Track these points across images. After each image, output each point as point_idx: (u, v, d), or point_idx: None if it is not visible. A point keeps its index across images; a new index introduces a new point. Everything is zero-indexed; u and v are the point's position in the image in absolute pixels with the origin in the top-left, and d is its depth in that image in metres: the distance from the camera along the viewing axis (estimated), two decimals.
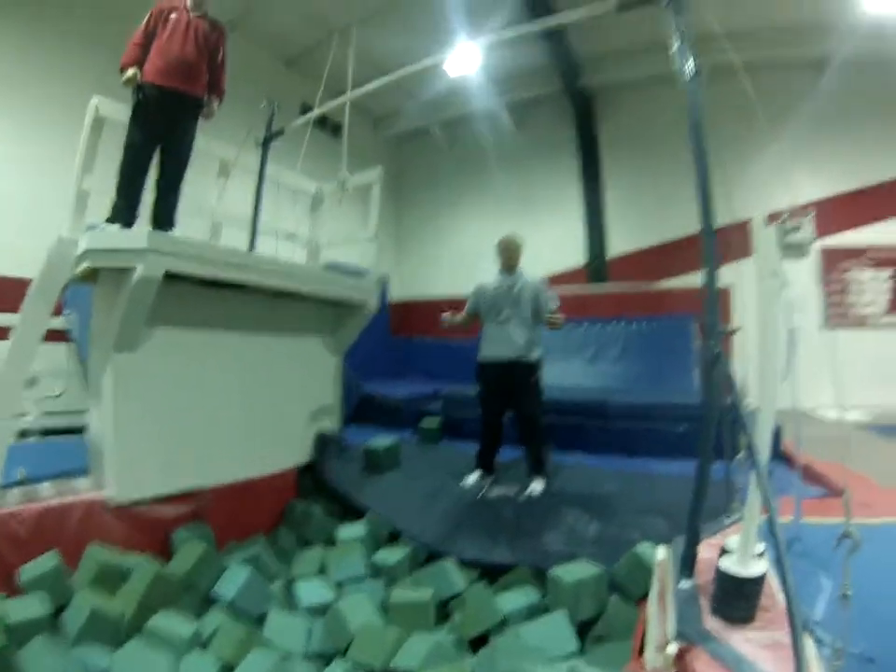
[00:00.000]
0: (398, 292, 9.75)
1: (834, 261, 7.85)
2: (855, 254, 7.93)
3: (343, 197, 5.02)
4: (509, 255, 3.92)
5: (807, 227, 1.82)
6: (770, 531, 1.35)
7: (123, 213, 3.32)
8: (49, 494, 2.94)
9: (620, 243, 8.90)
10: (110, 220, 3.31)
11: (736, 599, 1.55)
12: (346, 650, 2.38)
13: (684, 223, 7.69)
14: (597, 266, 8.86)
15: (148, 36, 3.40)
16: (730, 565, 1.59)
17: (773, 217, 1.84)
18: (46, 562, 2.55)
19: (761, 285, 1.77)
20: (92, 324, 3.45)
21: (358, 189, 5.01)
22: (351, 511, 3.62)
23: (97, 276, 3.21)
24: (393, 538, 3.29)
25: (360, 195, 5.26)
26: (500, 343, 3.78)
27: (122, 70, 3.32)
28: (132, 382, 3.07)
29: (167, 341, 3.24)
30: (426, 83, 8.88)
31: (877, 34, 6.95)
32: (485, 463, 3.87)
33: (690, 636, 1.52)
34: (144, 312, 2.99)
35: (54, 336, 3.89)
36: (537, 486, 3.57)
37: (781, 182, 6.90)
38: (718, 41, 2.38)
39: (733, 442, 2.25)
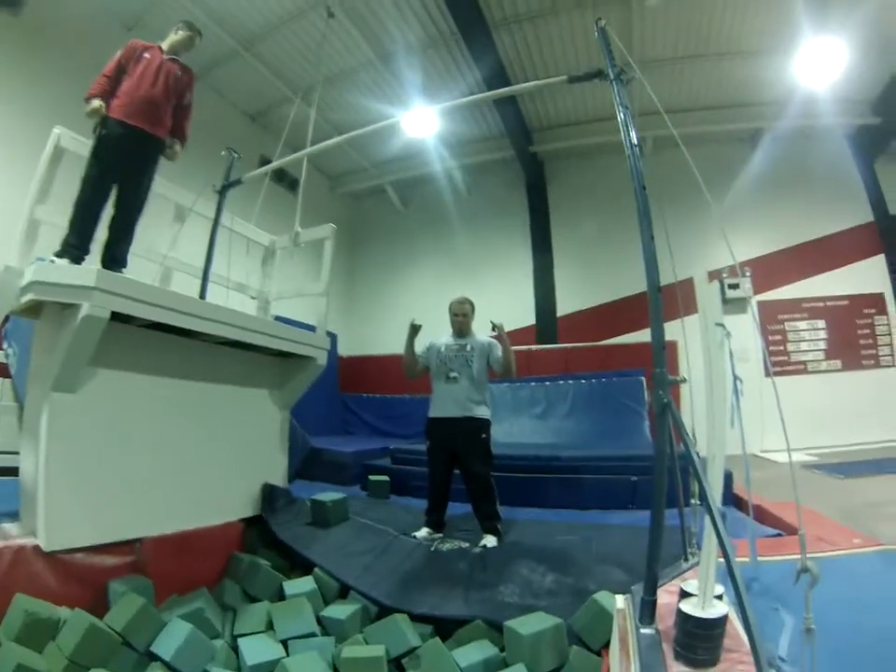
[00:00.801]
0: (347, 349, 9.69)
1: (773, 314, 8.49)
2: (791, 307, 8.60)
3: (296, 251, 5.06)
4: (461, 319, 4.10)
5: (745, 284, 1.94)
6: (729, 572, 1.38)
7: (74, 248, 3.22)
8: None
9: (569, 302, 9.19)
10: (59, 254, 3.18)
11: (700, 641, 1.55)
12: None
13: (631, 283, 8.05)
14: (547, 325, 9.08)
15: (119, 70, 3.40)
16: (691, 608, 1.60)
17: (714, 275, 1.98)
18: None
19: (706, 335, 1.88)
20: (32, 360, 3.31)
21: (312, 244, 5.03)
22: (298, 566, 3.50)
23: (41, 311, 3.11)
24: (343, 593, 3.16)
25: (313, 250, 5.27)
26: (449, 401, 3.87)
27: (88, 100, 3.28)
28: (69, 424, 2.91)
29: (109, 383, 3.11)
30: (383, 144, 9.20)
31: (805, 109, 7.78)
32: (434, 520, 3.84)
33: None
34: (87, 352, 2.88)
35: None
36: (489, 543, 3.53)
37: (720, 243, 7.32)
38: (661, 115, 2.57)
39: (685, 489, 2.32)
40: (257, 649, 2.64)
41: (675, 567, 2.30)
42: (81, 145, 3.39)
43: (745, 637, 1.61)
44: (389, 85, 8.25)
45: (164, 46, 3.58)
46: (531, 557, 3.12)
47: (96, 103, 3.26)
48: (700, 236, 7.34)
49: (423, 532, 3.75)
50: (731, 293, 1.94)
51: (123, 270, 3.46)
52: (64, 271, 2.97)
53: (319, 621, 2.90)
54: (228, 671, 2.54)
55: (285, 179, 9.01)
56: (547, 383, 6.96)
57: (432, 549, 3.48)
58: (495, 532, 3.63)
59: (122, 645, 2.49)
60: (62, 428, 2.89)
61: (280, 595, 3.15)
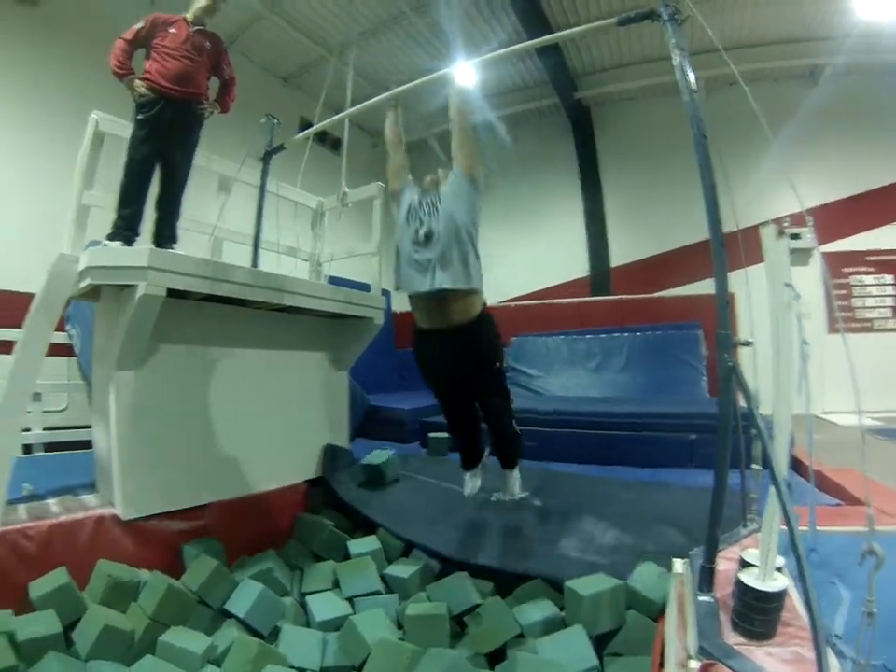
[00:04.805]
0: (401, 304, 9.73)
1: (836, 266, 7.93)
2: (855, 259, 8.01)
3: (344, 212, 5.05)
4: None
5: (808, 234, 1.83)
6: (792, 548, 1.35)
7: (125, 230, 3.30)
8: (57, 510, 2.92)
9: (622, 253, 8.92)
10: (111, 237, 3.28)
11: (758, 614, 1.54)
12: (362, 665, 2.37)
13: (685, 233, 7.75)
14: (600, 276, 8.87)
15: (138, 43, 3.39)
16: (752, 580, 1.59)
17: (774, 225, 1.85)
18: (56, 578, 2.52)
19: (774, 297, 1.78)
20: (95, 341, 3.46)
21: (359, 204, 5.02)
22: (361, 525, 3.61)
23: (99, 293, 3.23)
24: (406, 551, 3.27)
25: (361, 209, 5.26)
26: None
27: (121, 78, 3.32)
28: (135, 399, 3.05)
29: (171, 357, 3.23)
30: (424, 97, 8.97)
31: (869, 43, 7.05)
32: (467, 460, 3.58)
33: (711, 651, 1.51)
34: (147, 330, 2.97)
35: (56, 350, 3.89)
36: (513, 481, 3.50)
37: (773, 191, 6.92)
38: (714, 54, 2.40)
39: (747, 451, 2.26)
40: (324, 606, 2.78)
41: (733, 533, 2.27)
42: (120, 127, 3.43)
43: (802, 612, 1.59)
44: (424, 36, 8.03)
45: (189, 16, 3.51)
46: (590, 513, 3.13)
47: (135, 81, 3.30)
48: (752, 184, 6.97)
49: (467, 487, 3.54)
50: (792, 244, 1.82)
51: (174, 245, 3.54)
52: (118, 253, 3.05)
53: (383, 578, 3.01)
54: (298, 627, 2.68)
55: (326, 140, 8.97)
56: (602, 335, 6.87)
57: (493, 499, 3.51)
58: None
59: (199, 604, 2.67)
60: (129, 404, 3.03)
61: (345, 554, 3.27)
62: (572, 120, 9.39)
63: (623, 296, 7.59)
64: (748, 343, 1.96)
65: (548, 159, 9.67)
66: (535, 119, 9.74)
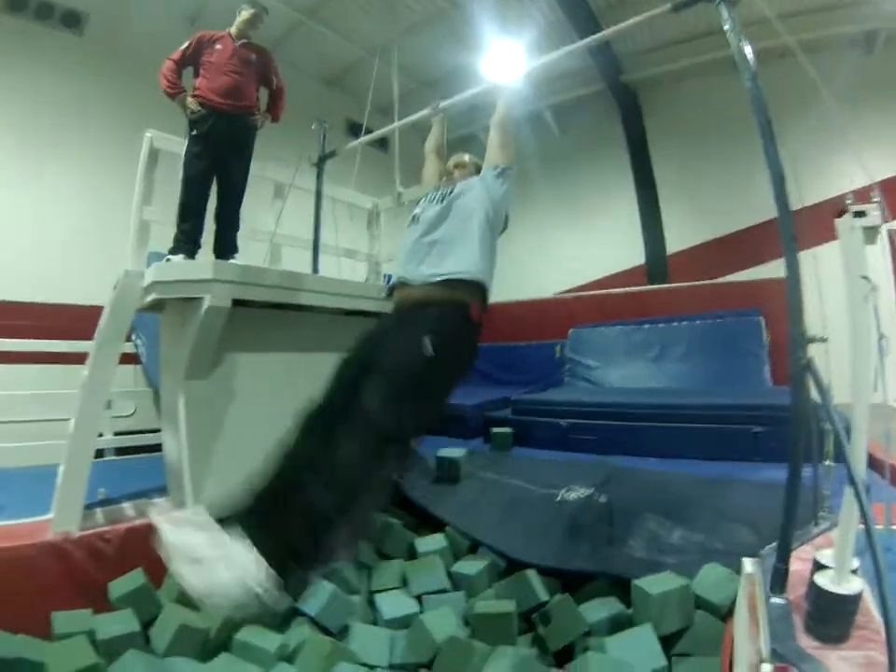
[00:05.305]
0: None
1: None
2: None
3: (400, 210, 5.12)
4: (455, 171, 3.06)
5: (874, 210, 1.74)
6: (871, 551, 1.32)
7: (186, 243, 3.43)
8: (132, 514, 3.10)
9: (678, 239, 8.67)
10: (173, 251, 3.41)
11: (833, 618, 1.51)
12: (430, 662, 2.44)
13: (742, 215, 7.47)
14: (657, 264, 8.65)
15: (185, 62, 3.51)
16: (827, 582, 1.56)
17: (834, 204, 1.76)
18: (133, 579, 2.69)
19: (848, 287, 1.71)
20: (162, 352, 3.59)
21: (413, 202, 5.08)
22: (427, 522, 3.66)
23: (163, 306, 3.34)
24: (472, 548, 3.32)
25: None
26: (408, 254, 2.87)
27: (172, 96, 3.44)
28: (204, 406, 3.18)
29: (237, 363, 3.33)
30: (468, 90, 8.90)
31: None
32: None
33: (785, 655, 1.49)
34: (214, 340, 3.08)
35: (124, 359, 4.10)
36: None
37: (831, 167, 6.60)
38: (759, 25, 2.30)
39: (819, 445, 2.17)
40: (392, 604, 2.85)
41: (805, 531, 2.22)
42: (174, 143, 3.56)
43: (877, 614, 1.55)
44: (464, 31, 7.98)
45: (232, 31, 3.60)
46: (656, 511, 3.09)
47: (187, 99, 3.43)
48: (808, 162, 6.64)
49: None
50: (856, 222, 1.74)
51: (236, 255, 3.66)
52: (182, 267, 3.18)
53: (450, 575, 3.06)
54: (367, 625, 2.75)
55: (372, 141, 9.00)
56: (660, 325, 6.72)
57: (558, 499, 3.49)
58: None
59: None
60: (198, 411, 3.16)
61: (411, 552, 3.34)
62: (620, 105, 9.14)
63: (681, 284, 7.39)
64: (822, 340, 1.89)
65: (597, 146, 9.49)
66: (581, 106, 9.53)
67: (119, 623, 2.44)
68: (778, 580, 1.80)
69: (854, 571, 1.62)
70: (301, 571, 2.20)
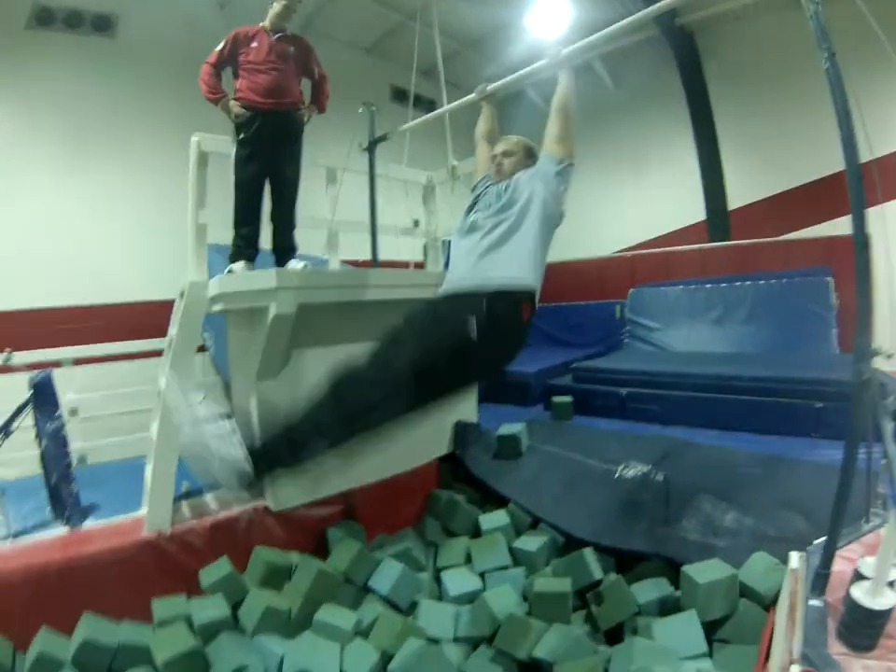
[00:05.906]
0: None
1: None
2: None
3: (454, 185, 5.12)
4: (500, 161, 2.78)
5: None
6: None
7: (245, 248, 3.43)
8: (215, 506, 3.33)
9: (740, 193, 8.09)
10: (234, 258, 3.40)
11: (863, 629, 1.59)
12: (491, 637, 2.66)
13: (810, 165, 6.97)
14: (718, 220, 8.20)
15: (223, 64, 3.43)
16: (862, 595, 1.63)
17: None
18: (221, 567, 2.96)
19: None
20: (230, 351, 3.74)
21: (469, 174, 5.07)
22: (490, 498, 3.82)
23: (230, 310, 3.42)
24: (533, 523, 3.48)
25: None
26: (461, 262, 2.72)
27: (215, 101, 3.39)
28: (276, 403, 3.24)
29: (305, 360, 3.40)
30: (514, 47, 8.58)
31: None
32: None
33: (813, 660, 1.59)
34: (283, 345, 3.16)
35: None
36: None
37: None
38: None
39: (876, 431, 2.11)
40: (457, 581, 3.08)
41: (854, 528, 2.23)
42: (222, 143, 3.51)
43: None
44: None
45: (266, 24, 3.47)
46: (712, 490, 3.13)
47: (230, 103, 3.37)
48: (874, 108, 6.16)
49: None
50: None
51: (294, 254, 3.64)
52: (246, 278, 3.19)
53: (511, 551, 3.25)
54: (434, 601, 3.00)
55: (421, 102, 8.74)
56: (723, 284, 6.53)
57: (616, 476, 3.52)
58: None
59: (345, 582, 3.03)
60: (270, 409, 3.24)
61: (475, 528, 3.53)
62: (675, 50, 8.43)
63: (744, 241, 7.06)
64: (889, 355, 1.86)
65: (653, 96, 8.88)
66: (635, 54, 8.93)
67: (212, 607, 2.73)
68: (819, 583, 1.87)
69: (892, 584, 1.67)
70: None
